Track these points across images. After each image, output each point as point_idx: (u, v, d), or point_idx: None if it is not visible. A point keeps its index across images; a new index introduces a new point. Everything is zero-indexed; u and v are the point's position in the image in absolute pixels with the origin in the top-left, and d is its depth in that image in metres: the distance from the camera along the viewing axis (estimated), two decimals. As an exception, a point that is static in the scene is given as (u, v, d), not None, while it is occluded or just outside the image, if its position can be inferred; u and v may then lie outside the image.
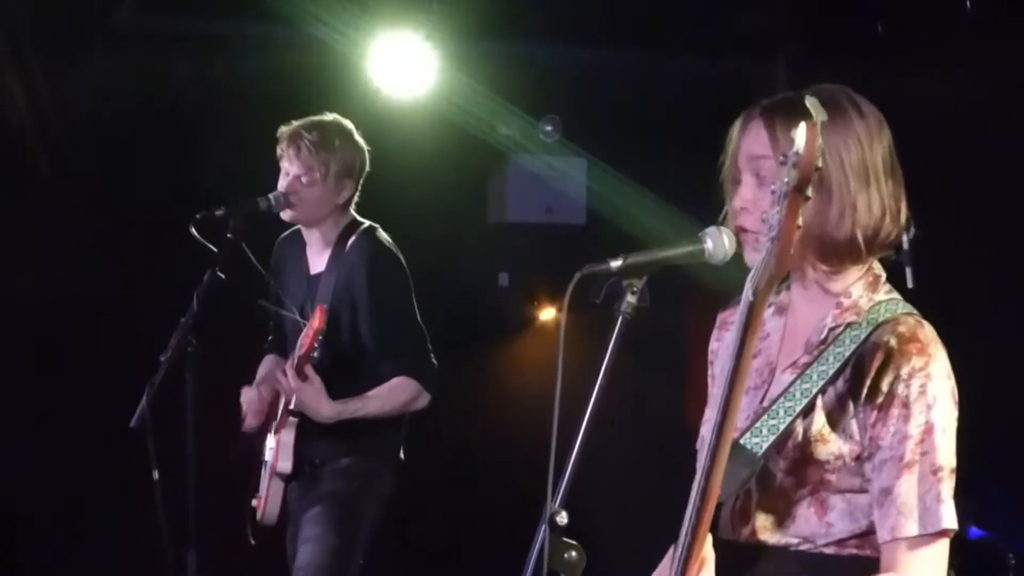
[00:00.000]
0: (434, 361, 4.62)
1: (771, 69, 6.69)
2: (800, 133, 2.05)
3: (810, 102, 2.07)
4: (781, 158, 2.08)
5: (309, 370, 4.41)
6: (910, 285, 4.40)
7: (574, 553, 2.40)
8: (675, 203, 6.13)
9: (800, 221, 2.06)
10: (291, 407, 4.50)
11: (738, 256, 2.47)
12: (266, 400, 4.68)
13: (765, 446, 2.35)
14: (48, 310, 5.95)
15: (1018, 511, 5.07)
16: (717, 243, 2.47)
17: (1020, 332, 5.53)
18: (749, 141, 2.42)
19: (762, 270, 2.12)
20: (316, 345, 4.37)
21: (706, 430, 2.55)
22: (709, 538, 2.30)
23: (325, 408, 4.44)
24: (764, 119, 2.41)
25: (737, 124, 2.47)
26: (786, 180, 2.05)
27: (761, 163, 2.40)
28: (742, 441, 2.37)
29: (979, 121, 5.61)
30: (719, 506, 2.33)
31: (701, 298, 6.71)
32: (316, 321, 4.35)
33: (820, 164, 2.05)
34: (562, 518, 2.40)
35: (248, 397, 4.71)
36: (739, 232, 2.44)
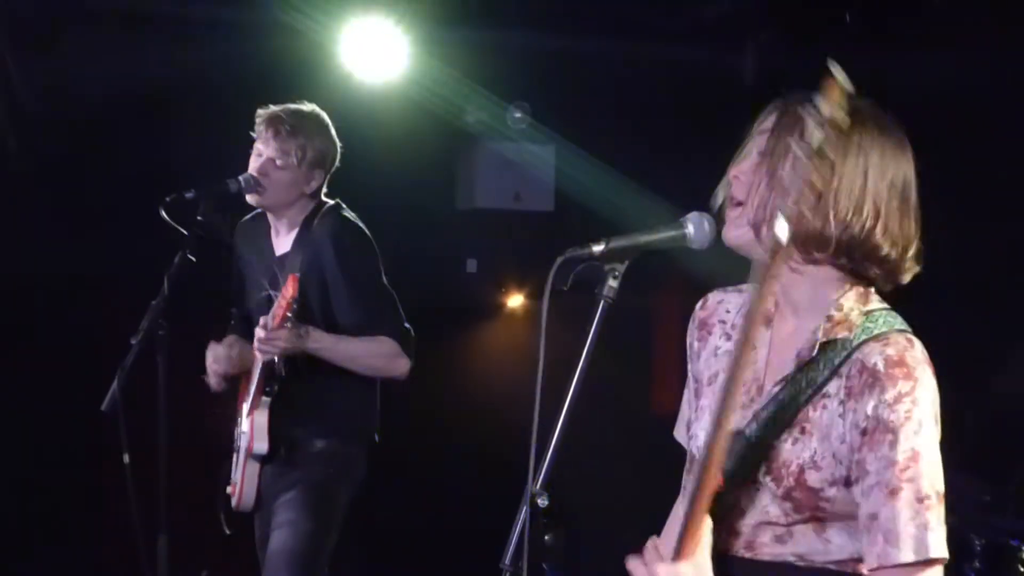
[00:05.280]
0: (409, 328, 4.61)
1: (740, 57, 6.71)
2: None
3: (834, 66, 2.10)
4: (814, 119, 2.09)
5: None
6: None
7: (555, 535, 2.41)
8: (644, 190, 6.15)
9: (820, 184, 2.07)
10: (270, 364, 4.47)
11: (716, 245, 2.50)
12: (234, 357, 4.65)
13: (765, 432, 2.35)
14: (18, 292, 5.92)
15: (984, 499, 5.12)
16: (698, 228, 2.49)
17: (987, 321, 5.58)
18: (765, 119, 2.43)
19: (749, 310, 2.13)
20: (290, 315, 4.36)
21: (694, 446, 2.53)
22: (708, 522, 2.29)
23: (311, 338, 4.43)
24: (783, 103, 2.41)
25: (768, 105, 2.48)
26: (815, 139, 2.07)
27: (763, 137, 2.40)
28: (744, 430, 2.36)
29: (949, 107, 5.64)
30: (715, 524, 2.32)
31: (667, 284, 6.78)
32: (289, 290, 4.33)
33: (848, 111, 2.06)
34: (543, 500, 2.41)
35: (214, 353, 4.66)
36: (728, 201, 2.44)
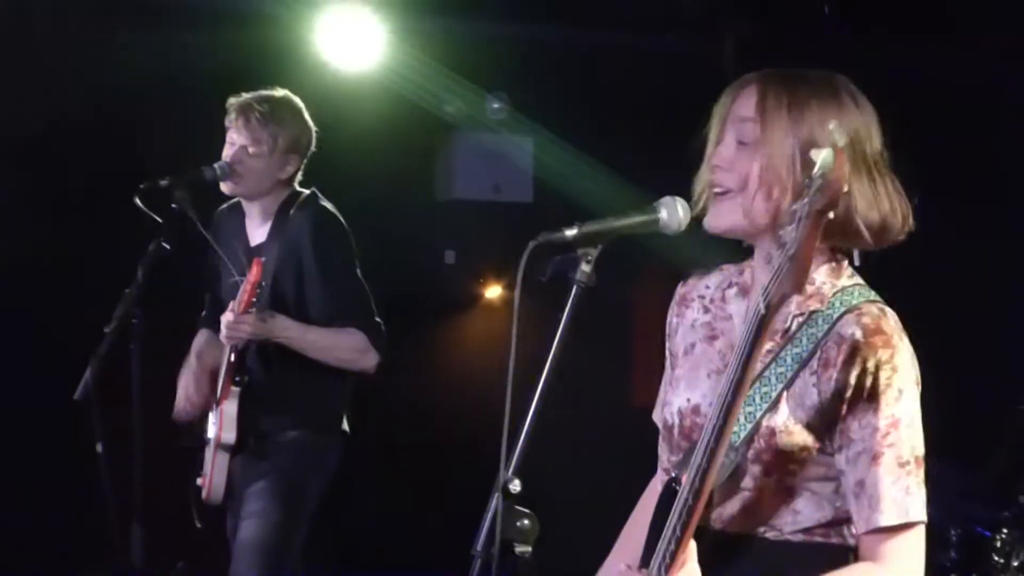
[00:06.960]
0: (380, 322, 4.60)
1: (718, 46, 6.70)
2: (827, 156, 2.07)
3: (833, 126, 2.11)
4: (806, 181, 2.10)
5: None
6: (856, 263, 4.42)
7: (527, 521, 2.40)
8: (622, 180, 6.14)
9: (818, 242, 2.08)
10: (239, 349, 4.46)
11: (690, 232, 2.50)
12: (204, 382, 4.63)
13: (743, 434, 2.37)
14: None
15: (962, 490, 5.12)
16: (671, 213, 2.48)
17: (967, 310, 5.58)
18: (740, 104, 2.44)
19: (776, 286, 2.14)
20: (254, 300, 4.35)
21: (668, 413, 2.56)
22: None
23: (277, 325, 4.43)
24: (758, 85, 2.42)
25: (731, 88, 2.47)
26: (809, 201, 2.07)
27: (746, 126, 2.41)
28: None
29: (928, 96, 5.64)
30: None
31: (648, 275, 6.78)
32: (253, 274, 4.33)
33: (847, 188, 2.06)
34: (515, 486, 2.40)
35: (185, 382, 4.66)
36: (710, 188, 2.45)
